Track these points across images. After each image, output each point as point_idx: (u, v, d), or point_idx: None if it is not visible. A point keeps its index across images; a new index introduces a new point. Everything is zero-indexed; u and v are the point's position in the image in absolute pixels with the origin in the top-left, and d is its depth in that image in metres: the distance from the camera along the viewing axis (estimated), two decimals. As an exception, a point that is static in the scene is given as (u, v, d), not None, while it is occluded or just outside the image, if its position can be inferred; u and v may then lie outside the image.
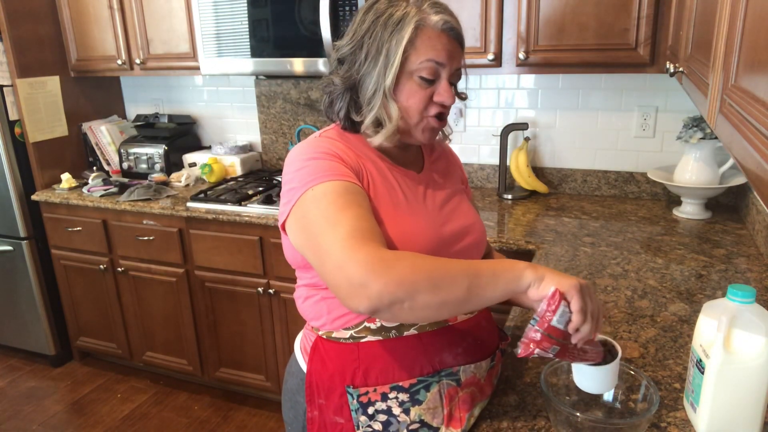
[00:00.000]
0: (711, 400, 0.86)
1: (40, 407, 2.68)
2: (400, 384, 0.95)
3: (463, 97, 1.07)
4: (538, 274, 0.81)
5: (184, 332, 2.60)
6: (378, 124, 0.99)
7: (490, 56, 1.99)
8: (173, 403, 2.68)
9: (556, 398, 0.90)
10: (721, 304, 0.86)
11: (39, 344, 2.97)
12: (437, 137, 1.10)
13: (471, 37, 2.01)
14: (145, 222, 2.51)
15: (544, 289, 0.80)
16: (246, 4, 2.26)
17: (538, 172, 2.38)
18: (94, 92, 3.03)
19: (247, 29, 2.29)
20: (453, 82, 1.01)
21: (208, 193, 2.49)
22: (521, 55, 1.95)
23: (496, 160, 2.42)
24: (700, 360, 0.87)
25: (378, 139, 1.00)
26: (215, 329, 2.54)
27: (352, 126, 1.03)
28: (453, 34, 0.96)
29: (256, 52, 2.30)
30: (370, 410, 0.96)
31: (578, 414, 0.85)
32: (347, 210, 0.85)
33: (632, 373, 0.93)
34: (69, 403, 2.71)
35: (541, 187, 2.33)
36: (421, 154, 1.14)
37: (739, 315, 0.82)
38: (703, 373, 0.86)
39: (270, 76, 2.75)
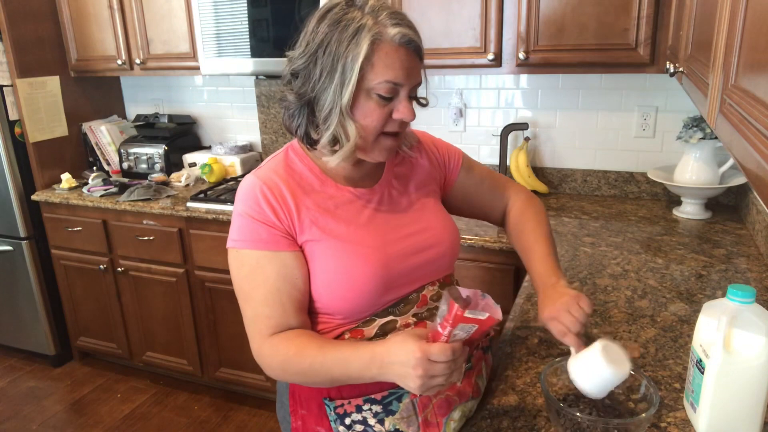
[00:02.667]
0: (711, 400, 0.86)
1: (40, 407, 2.68)
2: (372, 396, 0.97)
3: (423, 104, 1.03)
4: (386, 380, 0.86)
5: (184, 332, 2.60)
6: (335, 143, 0.96)
7: (490, 56, 1.99)
8: (173, 403, 2.68)
9: (555, 398, 0.90)
10: (721, 304, 0.86)
11: (39, 344, 2.97)
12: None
13: (471, 37, 2.01)
14: (145, 222, 2.51)
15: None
16: (246, 4, 2.26)
17: (538, 172, 2.38)
18: (94, 92, 3.03)
19: (247, 29, 2.29)
20: (413, 95, 0.97)
21: (208, 193, 2.49)
22: (521, 55, 1.95)
23: (496, 160, 2.42)
24: (700, 360, 0.87)
25: (335, 160, 0.96)
26: (215, 329, 2.54)
27: (312, 143, 1.00)
28: (412, 47, 0.92)
29: (256, 52, 2.30)
30: (347, 421, 0.99)
31: (578, 414, 0.85)
32: (257, 290, 0.95)
33: (632, 373, 0.93)
34: (69, 403, 2.71)
35: (541, 187, 2.33)
36: (382, 168, 1.10)
37: (739, 315, 0.82)
38: (703, 373, 0.86)
39: (270, 76, 2.75)
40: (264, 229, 0.95)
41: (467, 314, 0.80)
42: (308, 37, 0.93)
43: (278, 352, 0.93)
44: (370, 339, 0.98)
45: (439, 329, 0.81)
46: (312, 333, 0.97)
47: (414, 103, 0.99)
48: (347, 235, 0.98)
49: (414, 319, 1.00)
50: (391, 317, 0.99)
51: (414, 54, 0.93)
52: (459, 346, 0.81)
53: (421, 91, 1.01)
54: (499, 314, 0.83)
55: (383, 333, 0.98)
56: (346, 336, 0.99)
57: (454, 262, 1.12)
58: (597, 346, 0.89)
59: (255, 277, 0.96)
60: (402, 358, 0.81)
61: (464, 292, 0.85)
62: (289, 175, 1.00)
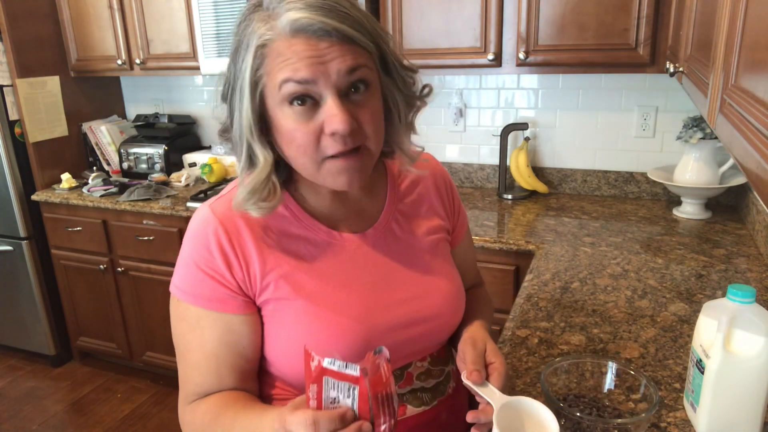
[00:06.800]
0: (711, 400, 0.86)
1: (40, 407, 2.68)
2: None
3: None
4: None
5: (184, 332, 2.60)
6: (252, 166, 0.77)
7: (490, 56, 1.99)
8: (173, 403, 2.68)
9: (555, 398, 0.89)
10: (721, 304, 0.86)
11: (39, 344, 2.97)
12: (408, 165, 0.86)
13: (471, 37, 2.01)
14: (145, 222, 2.51)
15: None
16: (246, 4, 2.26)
17: (538, 172, 2.38)
18: (94, 92, 3.03)
19: (247, 29, 2.29)
20: (345, 89, 0.71)
21: (208, 193, 2.49)
22: (521, 55, 1.95)
23: (496, 160, 2.42)
24: (700, 360, 0.87)
25: (254, 212, 0.77)
26: (215, 329, 2.54)
27: (285, 177, 0.82)
28: (313, 30, 0.68)
29: (256, 52, 2.30)
30: None
31: (578, 414, 0.85)
32: (192, 353, 0.82)
33: (632, 373, 0.93)
34: (69, 403, 2.71)
35: (541, 187, 2.33)
36: (381, 198, 0.90)
37: (739, 315, 0.82)
38: (703, 373, 0.86)
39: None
40: (210, 284, 0.79)
41: (329, 366, 0.61)
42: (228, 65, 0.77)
43: (195, 418, 0.82)
44: None
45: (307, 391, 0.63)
46: (237, 396, 0.81)
47: (370, 101, 0.73)
48: (323, 297, 0.80)
49: None
50: None
51: (323, 37, 0.69)
52: (330, 415, 0.60)
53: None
54: (383, 373, 0.63)
55: None
56: None
57: (452, 333, 0.93)
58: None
59: (192, 337, 0.81)
60: (273, 429, 0.66)
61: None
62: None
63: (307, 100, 0.71)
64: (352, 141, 0.72)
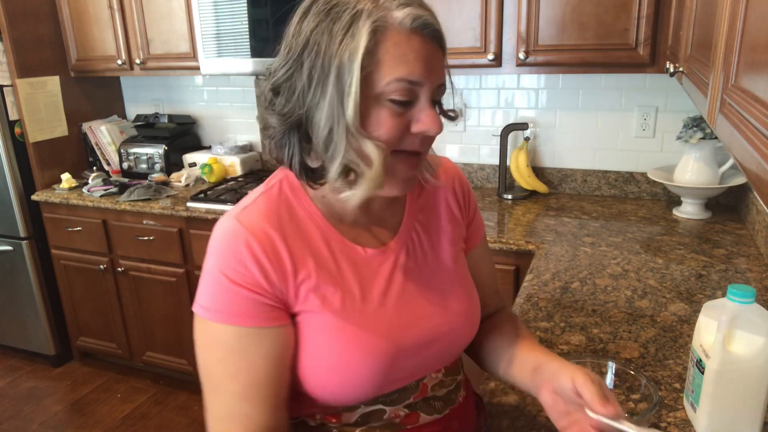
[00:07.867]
0: (711, 400, 0.86)
1: (40, 407, 2.68)
2: None
3: (451, 117, 0.78)
4: None
5: (184, 332, 2.60)
6: (348, 173, 0.72)
7: (490, 56, 1.99)
8: (173, 403, 2.68)
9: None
10: (721, 304, 0.86)
11: (39, 344, 2.97)
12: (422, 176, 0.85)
13: (471, 37, 2.01)
14: (145, 222, 2.51)
15: None
16: (246, 4, 2.26)
17: (538, 172, 2.38)
18: (94, 92, 3.03)
19: (247, 29, 2.29)
20: (436, 99, 0.73)
21: (208, 193, 2.49)
22: (521, 55, 1.95)
23: (496, 160, 2.42)
24: (700, 360, 0.87)
25: (357, 196, 0.72)
26: (215, 329, 2.54)
27: (311, 176, 0.76)
28: (429, 32, 0.69)
29: (256, 52, 2.30)
30: None
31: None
32: (237, 379, 0.73)
33: (632, 373, 0.93)
34: (69, 403, 2.71)
35: (541, 187, 2.33)
36: (401, 208, 0.87)
37: (739, 315, 0.82)
38: (703, 373, 0.86)
39: (270, 76, 2.75)
40: (249, 297, 0.72)
41: None
42: (290, 41, 0.72)
43: None
44: (349, 425, 0.80)
45: None
46: None
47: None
48: (351, 314, 0.77)
49: (406, 411, 0.82)
50: (380, 406, 0.81)
51: (433, 42, 0.70)
52: None
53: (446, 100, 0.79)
54: None
55: (365, 422, 0.80)
56: (318, 417, 0.81)
57: (467, 345, 0.91)
58: None
59: (235, 362, 0.73)
60: None
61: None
62: (285, 223, 0.76)
63: (408, 102, 0.70)
64: (427, 147, 0.75)
